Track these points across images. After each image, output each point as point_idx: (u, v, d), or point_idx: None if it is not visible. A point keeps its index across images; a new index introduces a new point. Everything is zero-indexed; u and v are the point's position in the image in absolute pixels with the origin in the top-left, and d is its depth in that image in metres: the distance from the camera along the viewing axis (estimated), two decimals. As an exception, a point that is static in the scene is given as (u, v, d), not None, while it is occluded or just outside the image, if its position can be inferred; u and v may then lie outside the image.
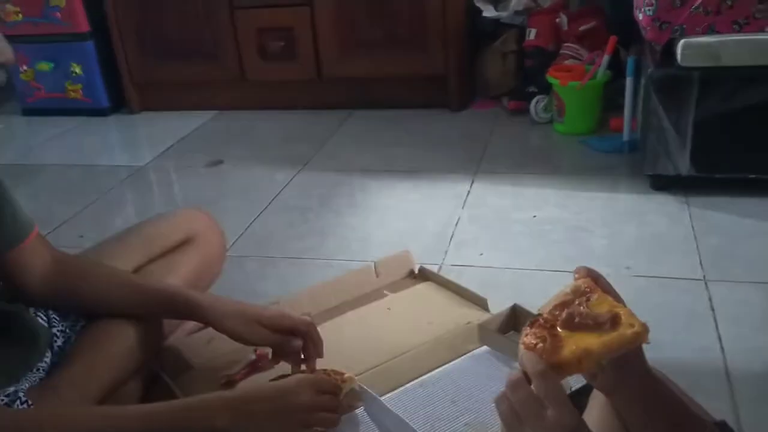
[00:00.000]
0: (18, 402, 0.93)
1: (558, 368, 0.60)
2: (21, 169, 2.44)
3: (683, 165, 1.84)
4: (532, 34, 2.56)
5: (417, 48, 2.61)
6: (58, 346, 1.07)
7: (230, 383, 1.18)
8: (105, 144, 2.82)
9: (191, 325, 1.28)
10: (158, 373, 1.19)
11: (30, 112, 3.05)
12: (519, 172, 2.14)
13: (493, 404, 0.62)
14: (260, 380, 1.17)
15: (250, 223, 1.95)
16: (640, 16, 1.84)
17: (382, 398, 1.09)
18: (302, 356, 1.13)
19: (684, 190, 1.89)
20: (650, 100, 1.82)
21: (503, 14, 2.65)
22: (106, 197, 2.22)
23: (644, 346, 0.66)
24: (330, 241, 1.82)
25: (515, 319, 1.27)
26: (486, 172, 2.15)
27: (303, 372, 1.11)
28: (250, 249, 1.80)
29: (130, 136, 2.87)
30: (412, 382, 1.16)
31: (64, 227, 1.99)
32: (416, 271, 1.51)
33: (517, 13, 2.64)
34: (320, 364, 1.13)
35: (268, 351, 1.18)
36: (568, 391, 0.87)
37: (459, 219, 1.88)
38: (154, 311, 1.13)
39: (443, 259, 1.68)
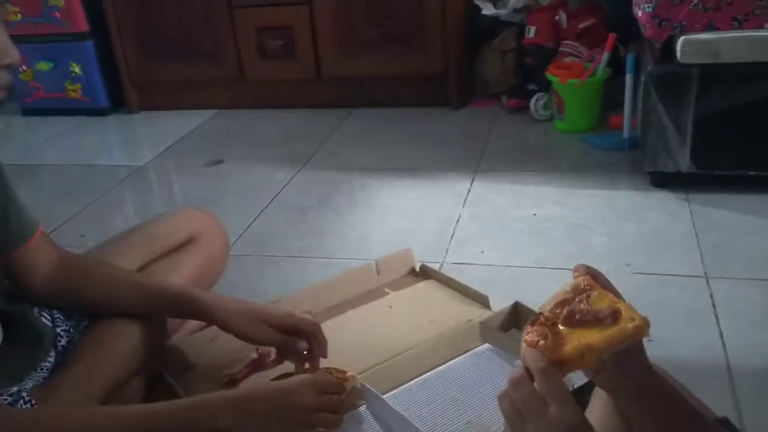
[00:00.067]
0: (21, 401, 0.93)
1: (560, 364, 0.60)
2: (20, 169, 2.44)
3: (683, 162, 1.84)
4: (531, 31, 2.56)
5: (416, 46, 2.61)
6: (62, 346, 1.08)
7: (232, 382, 1.18)
8: (104, 144, 2.82)
9: (194, 324, 1.29)
10: (160, 372, 1.20)
11: (29, 111, 3.05)
12: (519, 170, 2.14)
13: (495, 402, 0.62)
14: (262, 379, 1.17)
15: (251, 223, 1.95)
16: (640, 13, 1.84)
17: (384, 396, 1.09)
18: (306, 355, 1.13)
19: (684, 187, 1.89)
20: (650, 97, 1.82)
21: (502, 12, 2.65)
22: (105, 197, 2.22)
23: (645, 343, 0.66)
24: (330, 240, 1.82)
25: (516, 316, 1.28)
26: (486, 170, 2.15)
27: (306, 370, 1.11)
28: (250, 248, 1.80)
29: (129, 136, 2.87)
30: (413, 381, 1.16)
31: (64, 227, 1.99)
32: (417, 269, 1.51)
33: (516, 10, 2.64)
34: (322, 362, 1.13)
35: (271, 350, 1.18)
36: (571, 389, 0.87)
37: (459, 217, 1.88)
38: (159, 311, 1.13)
39: (444, 257, 1.68)
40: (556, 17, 2.54)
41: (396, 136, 2.50)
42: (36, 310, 1.07)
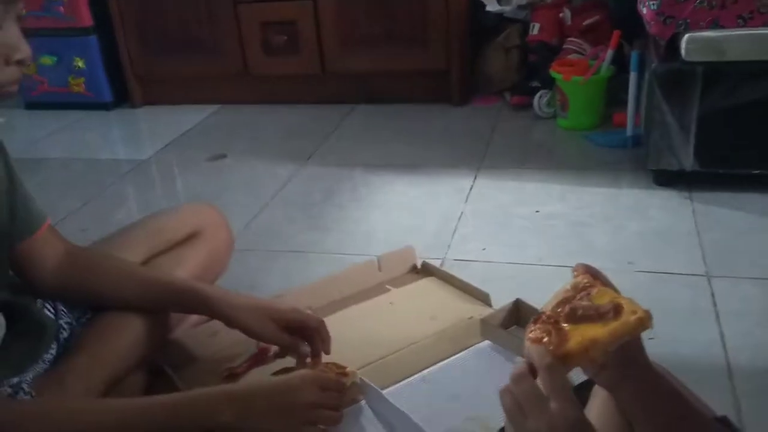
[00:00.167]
0: (21, 393, 0.94)
1: (565, 360, 0.61)
2: (23, 163, 2.41)
3: (687, 160, 1.83)
4: (535, 28, 2.55)
5: (420, 43, 2.61)
6: (64, 339, 1.08)
7: (232, 376, 1.18)
8: (107, 138, 2.82)
9: (195, 318, 1.29)
10: (161, 366, 1.20)
11: (33, 105, 3.05)
12: (522, 167, 2.14)
13: (496, 398, 0.62)
14: (263, 373, 1.17)
15: (253, 218, 1.95)
16: (644, 11, 1.84)
17: (384, 392, 1.09)
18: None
19: (687, 186, 1.89)
20: (654, 95, 1.82)
21: (506, 9, 2.64)
22: (108, 191, 2.22)
23: (646, 341, 0.66)
24: (333, 236, 1.82)
25: (518, 313, 1.28)
26: (489, 167, 2.15)
27: (307, 366, 1.12)
28: (252, 243, 1.80)
29: (132, 130, 2.87)
30: (414, 376, 1.16)
31: (66, 221, 1.99)
32: (419, 266, 1.51)
33: (520, 7, 2.63)
34: (323, 357, 1.13)
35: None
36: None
37: (462, 214, 1.88)
38: (164, 304, 1.13)
39: (446, 253, 1.68)
40: (561, 14, 2.53)
41: (399, 133, 2.50)
42: (39, 302, 1.07)
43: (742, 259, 1.56)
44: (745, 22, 1.70)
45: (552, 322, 0.63)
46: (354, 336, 1.27)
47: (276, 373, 1.11)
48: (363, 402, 1.09)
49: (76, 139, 2.75)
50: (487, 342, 1.23)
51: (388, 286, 1.46)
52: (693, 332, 1.33)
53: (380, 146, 2.39)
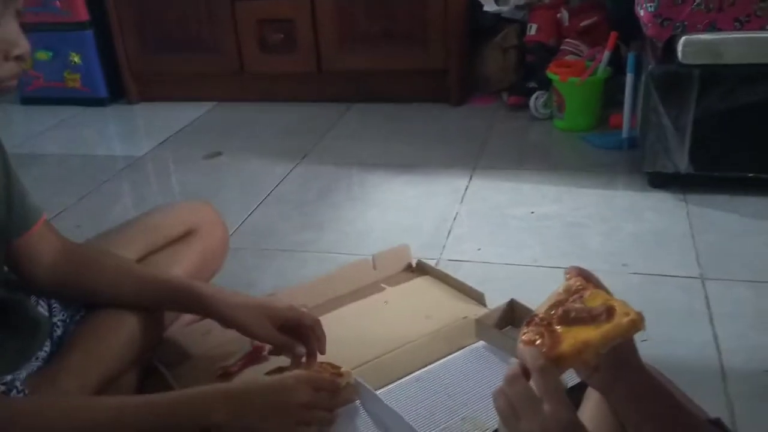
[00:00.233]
0: (15, 391, 0.93)
1: (558, 362, 0.61)
2: (19, 158, 2.41)
3: (682, 162, 1.84)
4: (533, 29, 2.55)
5: (417, 42, 2.61)
6: (58, 336, 1.07)
7: (226, 375, 1.18)
8: (103, 134, 2.81)
9: (189, 316, 1.28)
10: (155, 364, 1.19)
11: (28, 101, 3.04)
12: (518, 168, 2.14)
13: (490, 399, 0.62)
14: (257, 372, 1.17)
15: (248, 216, 1.95)
16: (642, 13, 1.84)
17: (379, 392, 1.09)
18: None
19: (682, 188, 1.89)
20: (650, 97, 1.82)
21: (504, 9, 2.64)
22: (103, 187, 2.22)
23: (639, 343, 0.67)
24: (328, 235, 1.82)
25: (512, 314, 1.28)
26: (485, 168, 2.15)
27: (301, 365, 1.11)
28: (247, 241, 1.80)
29: (128, 127, 2.86)
30: (408, 376, 1.16)
31: (61, 217, 1.98)
32: (414, 265, 1.51)
33: (518, 8, 2.63)
34: (318, 357, 1.13)
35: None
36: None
37: (457, 214, 1.88)
38: (160, 302, 1.13)
39: (441, 253, 1.68)
40: (558, 15, 2.53)
41: (395, 132, 2.50)
42: (33, 299, 1.07)
43: (736, 262, 1.57)
44: (742, 25, 1.70)
45: (545, 324, 0.63)
46: (349, 335, 1.27)
47: (270, 373, 1.11)
48: (357, 402, 1.09)
49: (71, 134, 2.74)
50: (481, 342, 1.23)
51: (382, 285, 1.45)
52: (687, 334, 1.33)
53: (376, 145, 2.39)
